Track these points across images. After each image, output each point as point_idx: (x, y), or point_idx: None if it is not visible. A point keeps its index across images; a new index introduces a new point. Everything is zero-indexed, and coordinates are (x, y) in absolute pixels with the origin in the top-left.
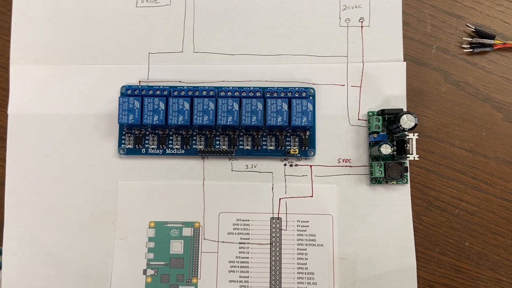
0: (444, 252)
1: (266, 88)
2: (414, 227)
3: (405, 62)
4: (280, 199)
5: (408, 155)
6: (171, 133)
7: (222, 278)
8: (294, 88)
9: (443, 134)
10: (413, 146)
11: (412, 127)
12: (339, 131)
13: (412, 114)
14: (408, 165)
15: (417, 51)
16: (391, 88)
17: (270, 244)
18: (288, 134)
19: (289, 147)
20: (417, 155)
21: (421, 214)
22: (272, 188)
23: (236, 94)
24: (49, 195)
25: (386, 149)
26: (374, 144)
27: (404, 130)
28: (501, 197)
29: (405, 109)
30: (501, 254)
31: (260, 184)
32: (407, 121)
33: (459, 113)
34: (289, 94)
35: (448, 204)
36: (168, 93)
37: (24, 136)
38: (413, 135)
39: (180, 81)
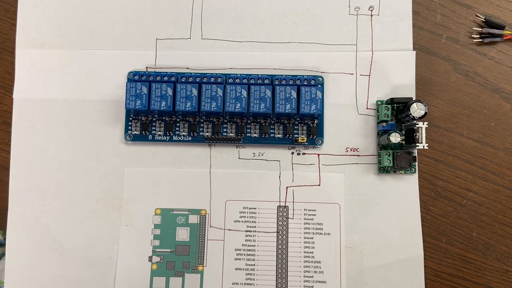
0: (452, 242)
1: (275, 75)
2: (421, 217)
3: (414, 51)
4: (287, 187)
5: (417, 144)
6: (178, 119)
7: (228, 266)
8: (303, 76)
9: (452, 124)
10: (422, 135)
11: (422, 115)
12: (347, 120)
13: (422, 103)
14: (416, 154)
15: (427, 40)
16: (400, 77)
17: (277, 232)
18: (296, 122)
19: (297, 136)
20: (427, 144)
21: (429, 204)
22: (279, 177)
23: (245, 81)
24: (54, 181)
25: (395, 138)
26: (382, 133)
27: (414, 118)
28: (509, 188)
29: (414, 98)
30: (508, 244)
31: (267, 172)
32: (417, 110)
33: (468, 103)
34: (298, 82)
35: (456, 194)
36: (175, 79)
37: (30, 121)
38: (423, 124)
39: (187, 68)
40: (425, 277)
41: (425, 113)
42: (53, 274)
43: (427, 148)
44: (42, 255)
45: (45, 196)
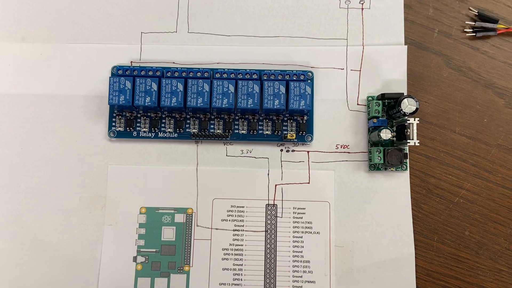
0: (443, 241)
1: (263, 70)
2: (413, 215)
3: (406, 46)
4: (276, 185)
5: (408, 141)
6: (163, 115)
7: (215, 266)
8: (292, 71)
9: (444, 120)
10: (413, 131)
11: (413, 111)
12: (337, 116)
13: (413, 98)
14: (407, 151)
15: (419, 34)
16: (391, 72)
17: (265, 231)
18: (285, 119)
19: (286, 132)
20: (418, 141)
21: (420, 202)
22: (268, 174)
23: (232, 76)
24: (35, 179)
25: (386, 134)
26: (373, 129)
27: (405, 114)
28: (502, 185)
29: (405, 94)
30: (501, 243)
31: (256, 170)
32: (408, 105)
33: (461, 99)
34: (287, 77)
35: (448, 192)
36: (161, 74)
37: (9, 117)
38: (414, 120)
39: (173, 63)
40: (416, 277)
41: (417, 109)
42: (34, 275)
43: (419, 144)
44: (23, 255)
45: (26, 194)
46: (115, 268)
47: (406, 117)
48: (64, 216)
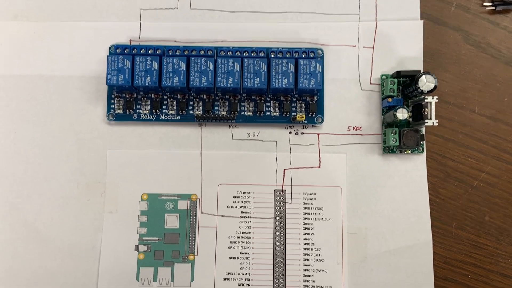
0: (462, 227)
1: (271, 48)
2: (430, 200)
3: (422, 21)
4: (284, 170)
5: (426, 120)
6: (165, 97)
7: (221, 254)
8: (301, 48)
9: (462, 99)
10: (432, 110)
11: (432, 89)
12: (349, 96)
13: (431, 75)
14: (424, 133)
15: (435, 9)
16: (406, 49)
17: (274, 218)
18: (294, 99)
19: (295, 114)
20: (436, 120)
21: (438, 186)
22: (276, 158)
23: (237, 54)
24: (30, 165)
25: (402, 114)
26: (388, 109)
27: (422, 92)
28: None
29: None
30: None
31: (263, 154)
32: (426, 83)
33: (480, 77)
34: (296, 55)
35: (467, 175)
36: (162, 52)
37: (2, 99)
38: (432, 98)
39: (174, 41)
40: (434, 265)
41: (435, 87)
42: (30, 266)
43: (437, 125)
44: (19, 245)
45: (21, 181)
46: (116, 257)
47: (424, 96)
48: (62, 204)
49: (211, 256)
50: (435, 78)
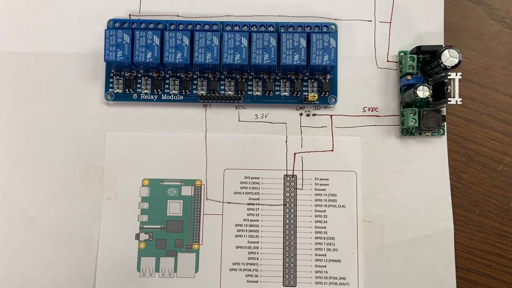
0: (486, 214)
1: (280, 22)
2: (451, 185)
3: None
4: (295, 153)
5: (449, 99)
6: (167, 75)
7: (228, 243)
8: (313, 23)
9: (486, 78)
10: (455, 87)
11: (456, 64)
12: (364, 75)
13: (455, 49)
14: (445, 113)
15: None
16: (426, 24)
17: (284, 205)
18: (306, 78)
19: (306, 93)
20: (460, 99)
21: (460, 171)
22: (286, 141)
23: (245, 28)
24: (24, 148)
25: (423, 92)
26: (406, 88)
27: (445, 68)
28: None
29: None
30: None
31: (272, 137)
32: (449, 57)
33: (504, 54)
34: (308, 29)
35: (490, 159)
36: (163, 27)
37: None
38: (456, 75)
39: (177, 16)
40: (455, 255)
41: (459, 62)
42: (24, 255)
43: (460, 103)
44: (12, 233)
45: (14, 165)
46: (115, 247)
47: (447, 72)
48: (57, 190)
49: (217, 245)
50: (459, 53)
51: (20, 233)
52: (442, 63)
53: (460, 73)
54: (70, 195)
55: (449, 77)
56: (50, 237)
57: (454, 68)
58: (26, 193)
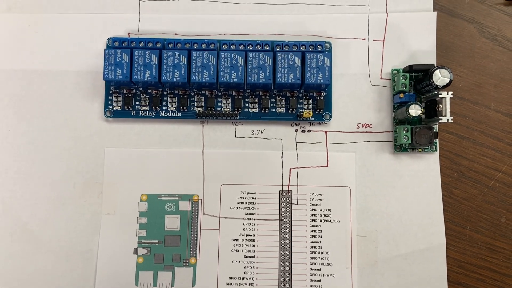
0: (477, 229)
1: (276, 41)
2: (443, 200)
3: (435, 13)
4: (290, 169)
5: (440, 117)
6: (165, 93)
7: (224, 258)
8: (308, 41)
9: (478, 95)
10: (446, 106)
11: (447, 84)
12: (358, 92)
13: (446, 69)
14: (437, 130)
15: (449, 0)
16: (418, 42)
17: (279, 220)
18: (301, 95)
19: (301, 110)
20: (451, 117)
21: (452, 186)
22: (282, 157)
23: (241, 47)
24: (25, 164)
25: (415, 110)
26: (399, 105)
27: (436, 87)
28: None
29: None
30: None
31: (268, 152)
32: (440, 77)
33: (496, 71)
34: (302, 48)
35: (482, 174)
36: (162, 46)
37: None
38: (447, 94)
39: (175, 34)
40: (447, 269)
41: (450, 81)
42: (24, 269)
43: (452, 121)
44: (12, 247)
45: (15, 180)
46: (114, 261)
47: (438, 91)
48: (57, 205)
49: (214, 260)
50: (450, 72)
51: (20, 247)
52: (433, 82)
53: (451, 92)
54: (70, 209)
55: (440, 96)
56: (50, 250)
57: (445, 87)
58: (27, 207)
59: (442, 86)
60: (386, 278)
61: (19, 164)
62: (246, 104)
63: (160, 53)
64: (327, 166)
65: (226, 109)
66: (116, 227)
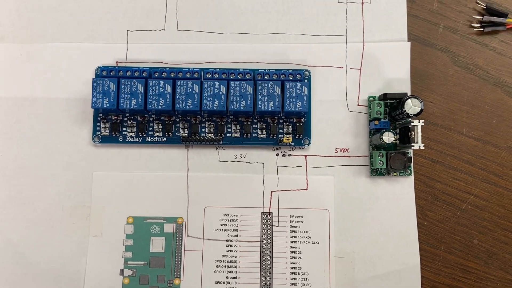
0: (451, 251)
1: (257, 70)
2: (418, 223)
3: (409, 42)
4: (271, 192)
5: (413, 144)
6: (151, 119)
7: (208, 279)
8: (288, 70)
9: (450, 121)
10: (418, 134)
11: (418, 112)
12: (336, 118)
13: (417, 99)
14: (412, 155)
15: (423, 30)
16: (394, 70)
17: (261, 241)
18: (281, 121)
19: (281, 135)
20: (423, 144)
21: (426, 209)
22: (263, 180)
23: (224, 76)
24: (15, 188)
25: (388, 137)
26: (375, 132)
27: (408, 116)
28: None
29: (409, 94)
30: None
31: (250, 176)
32: (412, 106)
33: (468, 99)
34: (282, 77)
35: (455, 198)
36: (148, 75)
37: None
38: (419, 122)
39: (161, 62)
40: None
41: (421, 110)
42: None
43: (424, 148)
44: (3, 268)
45: (6, 204)
46: (100, 282)
47: (410, 119)
48: (47, 227)
49: (197, 281)
50: (421, 102)
51: (10, 269)
52: (405, 111)
53: (423, 120)
54: (59, 232)
55: (412, 124)
56: (40, 272)
57: (416, 115)
58: (17, 230)
59: (414, 115)
60: None
61: (10, 188)
62: (229, 130)
63: (146, 82)
64: (306, 189)
65: (209, 135)
66: (103, 248)
